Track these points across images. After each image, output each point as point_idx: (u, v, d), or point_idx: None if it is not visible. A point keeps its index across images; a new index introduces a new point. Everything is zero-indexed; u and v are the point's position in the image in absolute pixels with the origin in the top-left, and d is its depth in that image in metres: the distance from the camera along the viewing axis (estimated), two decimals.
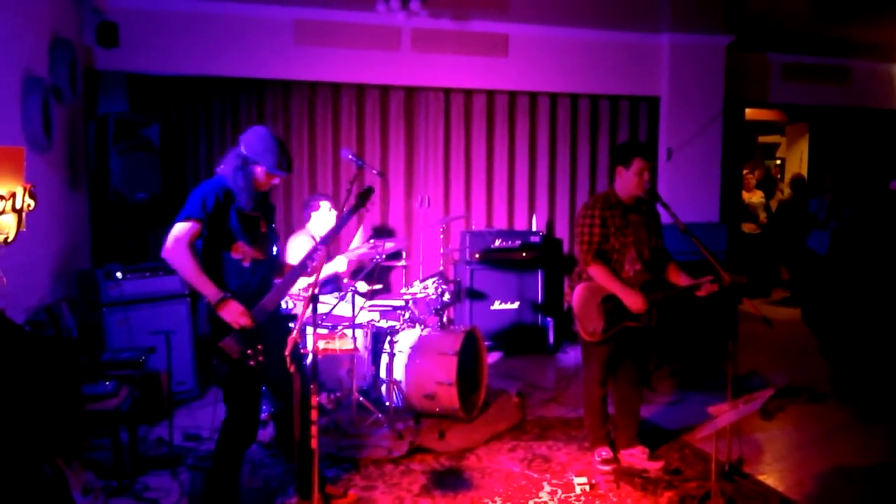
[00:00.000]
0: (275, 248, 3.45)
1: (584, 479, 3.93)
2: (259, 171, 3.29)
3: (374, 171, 3.34)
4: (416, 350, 4.89)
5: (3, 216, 2.78)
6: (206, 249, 3.25)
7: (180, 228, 3.13)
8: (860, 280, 7.43)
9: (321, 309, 4.95)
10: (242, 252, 3.26)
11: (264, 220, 3.39)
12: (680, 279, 4.07)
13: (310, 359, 3.01)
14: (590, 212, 3.97)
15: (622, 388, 4.24)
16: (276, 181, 3.39)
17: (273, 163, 3.28)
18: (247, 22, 6.29)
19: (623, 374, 4.21)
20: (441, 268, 5.63)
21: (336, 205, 5.48)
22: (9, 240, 2.89)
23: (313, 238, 5.14)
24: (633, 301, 3.85)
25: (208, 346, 3.23)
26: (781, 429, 4.81)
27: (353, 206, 3.42)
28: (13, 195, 2.82)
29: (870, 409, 5.24)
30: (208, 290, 3.11)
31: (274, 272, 3.43)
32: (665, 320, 4.29)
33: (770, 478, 4.04)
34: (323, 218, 5.22)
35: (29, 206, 2.93)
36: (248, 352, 3.16)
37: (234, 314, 3.10)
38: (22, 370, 2.37)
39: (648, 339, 4.21)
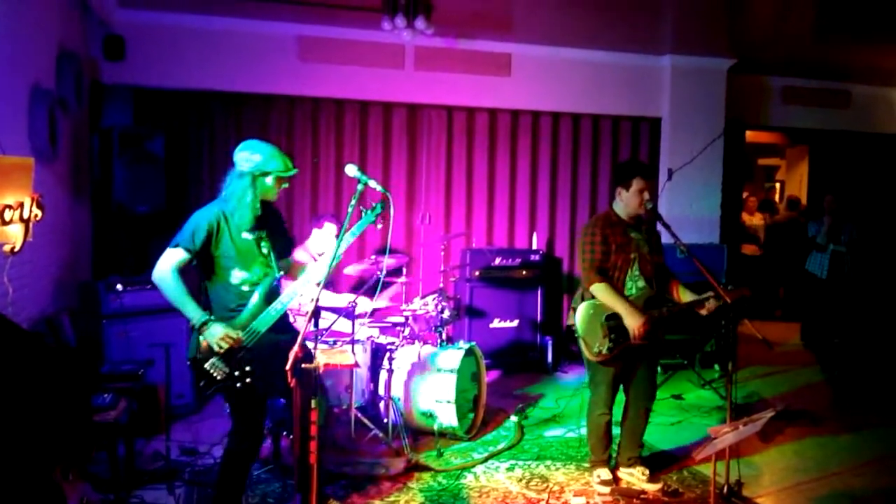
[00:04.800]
0: (273, 269, 3.41)
1: (582, 500, 3.92)
2: (269, 180, 3.31)
3: (379, 189, 3.33)
4: (415, 367, 4.88)
5: (11, 226, 2.79)
6: (204, 273, 3.30)
7: (169, 254, 3.19)
8: (861, 302, 7.44)
9: (321, 324, 4.96)
10: (240, 276, 3.29)
11: (266, 238, 3.39)
12: (683, 296, 4.09)
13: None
14: (591, 230, 4.00)
15: (630, 407, 4.21)
16: (286, 184, 3.39)
17: (281, 166, 3.31)
18: (252, 38, 6.35)
19: (632, 393, 4.18)
20: (441, 285, 5.63)
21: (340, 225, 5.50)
22: (16, 249, 2.89)
23: (311, 256, 5.15)
24: (634, 322, 3.84)
25: (194, 367, 3.26)
26: (781, 452, 4.80)
27: (362, 222, 3.41)
28: (21, 205, 2.83)
29: (870, 433, 5.22)
30: (191, 312, 3.16)
31: (276, 292, 3.42)
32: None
33: (769, 501, 4.02)
34: (324, 237, 5.26)
35: (36, 216, 2.95)
36: (236, 373, 3.22)
37: (215, 337, 3.15)
38: (31, 376, 2.37)
39: (656, 355, 4.21)
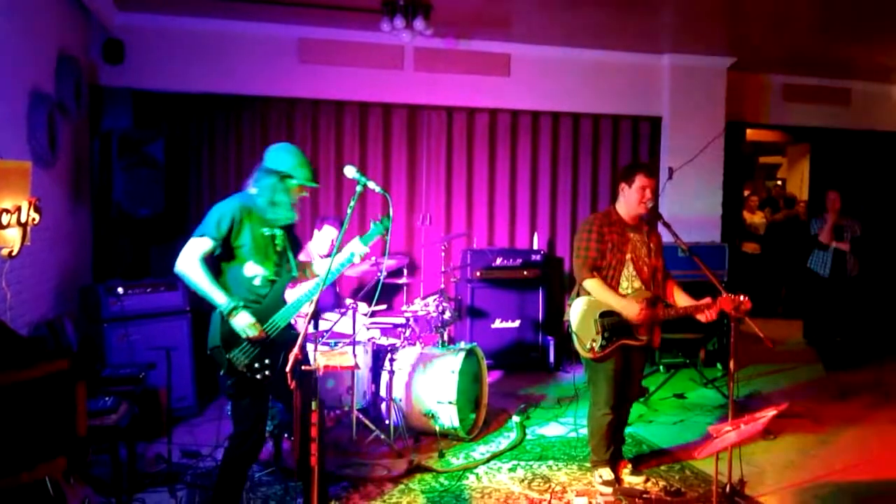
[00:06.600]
0: (291, 267, 3.48)
1: (584, 500, 3.90)
2: (293, 183, 3.36)
3: (378, 190, 3.34)
4: (417, 368, 4.88)
5: (9, 230, 2.79)
6: (220, 265, 3.35)
7: (193, 244, 3.24)
8: (863, 300, 7.42)
9: (322, 325, 4.96)
10: (254, 270, 3.33)
11: (282, 237, 3.42)
12: (681, 299, 4.07)
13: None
14: (588, 227, 3.99)
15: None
16: (305, 193, 3.45)
17: (308, 175, 3.38)
18: (252, 40, 6.35)
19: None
20: (442, 285, 5.63)
21: (339, 227, 5.51)
22: (13, 253, 2.90)
23: (310, 258, 5.15)
24: (631, 311, 3.84)
25: (216, 357, 3.28)
26: (783, 450, 4.78)
27: (370, 234, 3.45)
28: (18, 209, 2.84)
29: (873, 431, 5.20)
30: (220, 299, 3.20)
31: (285, 290, 3.46)
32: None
33: (772, 499, 4.01)
34: (324, 239, 5.28)
35: (34, 219, 2.95)
36: (256, 365, 3.25)
37: (245, 324, 3.20)
38: (22, 380, 2.36)
39: (646, 357, 4.22)
